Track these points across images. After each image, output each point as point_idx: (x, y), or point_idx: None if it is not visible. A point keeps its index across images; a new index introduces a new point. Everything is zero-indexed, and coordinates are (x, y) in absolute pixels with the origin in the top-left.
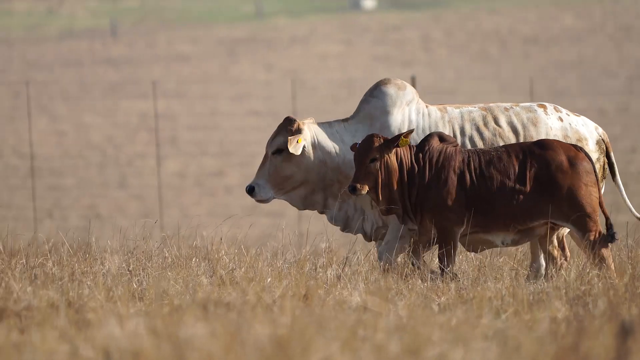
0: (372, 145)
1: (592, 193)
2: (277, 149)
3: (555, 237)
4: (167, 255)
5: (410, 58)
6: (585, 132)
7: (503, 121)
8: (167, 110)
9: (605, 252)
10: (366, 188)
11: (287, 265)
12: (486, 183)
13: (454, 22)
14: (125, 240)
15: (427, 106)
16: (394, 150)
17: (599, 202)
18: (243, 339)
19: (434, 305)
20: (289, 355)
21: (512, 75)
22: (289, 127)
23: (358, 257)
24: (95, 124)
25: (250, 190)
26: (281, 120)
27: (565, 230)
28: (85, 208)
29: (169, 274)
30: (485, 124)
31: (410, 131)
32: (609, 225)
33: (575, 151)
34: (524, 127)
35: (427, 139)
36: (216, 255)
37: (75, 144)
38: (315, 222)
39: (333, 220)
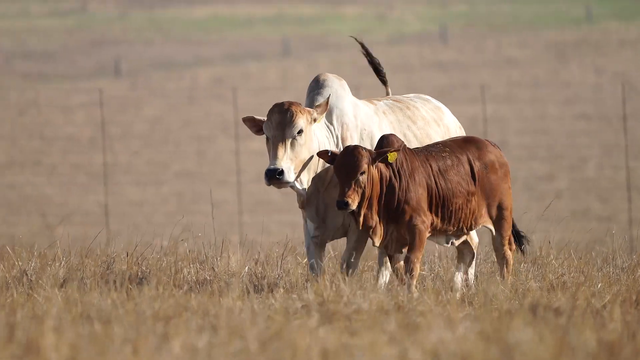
0: (361, 158)
1: (511, 195)
2: (300, 130)
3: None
4: (494, 259)
5: None
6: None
7: (422, 111)
8: (496, 114)
9: (510, 254)
10: (357, 202)
11: (617, 271)
12: (446, 184)
13: None
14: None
15: None
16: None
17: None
18: (572, 344)
19: None
20: None
21: None
22: (299, 109)
23: None
24: None
25: (280, 173)
26: (609, 124)
27: None
28: None
29: (498, 278)
30: (414, 113)
31: (398, 149)
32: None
33: (500, 151)
34: (438, 116)
35: (387, 142)
36: (545, 260)
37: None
38: None
39: (313, 218)
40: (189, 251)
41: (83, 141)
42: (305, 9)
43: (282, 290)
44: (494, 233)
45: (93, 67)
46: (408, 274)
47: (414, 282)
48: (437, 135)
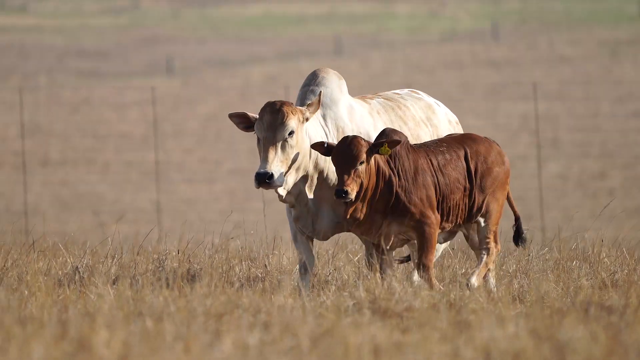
0: (361, 148)
1: (505, 193)
2: (291, 132)
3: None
4: (547, 257)
5: None
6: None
7: (412, 111)
8: (548, 112)
9: (494, 249)
10: (355, 192)
11: None
12: (445, 180)
13: None
14: (506, 243)
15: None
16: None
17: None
18: (624, 342)
19: None
20: None
21: None
22: (291, 110)
23: None
24: (476, 126)
25: (270, 177)
26: None
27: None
28: None
29: (550, 276)
30: (405, 113)
31: (397, 142)
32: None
33: (499, 148)
34: (427, 116)
35: (385, 135)
36: (597, 258)
37: None
38: None
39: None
40: (241, 248)
41: (136, 139)
42: (358, 6)
43: (333, 287)
44: (482, 225)
45: (146, 65)
46: (424, 275)
47: (433, 279)
48: (427, 136)
